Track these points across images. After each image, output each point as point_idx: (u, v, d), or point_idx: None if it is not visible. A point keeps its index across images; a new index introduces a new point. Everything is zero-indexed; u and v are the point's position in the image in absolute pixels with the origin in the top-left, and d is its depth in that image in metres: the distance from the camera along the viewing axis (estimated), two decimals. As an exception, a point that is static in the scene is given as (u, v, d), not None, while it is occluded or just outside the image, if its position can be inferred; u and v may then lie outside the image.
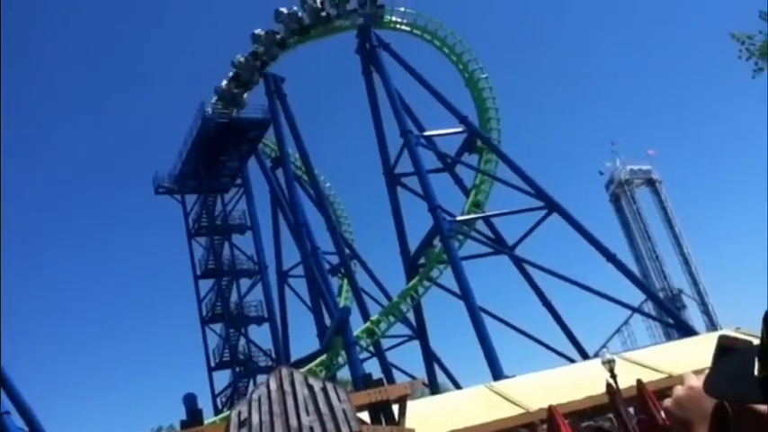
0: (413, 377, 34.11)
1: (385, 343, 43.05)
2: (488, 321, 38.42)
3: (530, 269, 43.15)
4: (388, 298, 44.43)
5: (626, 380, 18.76)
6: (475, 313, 36.24)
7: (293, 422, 18.79)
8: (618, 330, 47.95)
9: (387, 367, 41.06)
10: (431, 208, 39.93)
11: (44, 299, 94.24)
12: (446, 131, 45.44)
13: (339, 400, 19.75)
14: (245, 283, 47.47)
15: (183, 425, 19.80)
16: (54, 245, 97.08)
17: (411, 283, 42.27)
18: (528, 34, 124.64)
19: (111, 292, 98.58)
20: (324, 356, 39.32)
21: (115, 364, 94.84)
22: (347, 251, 45.85)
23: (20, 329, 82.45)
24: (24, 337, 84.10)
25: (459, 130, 45.11)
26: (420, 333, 44.20)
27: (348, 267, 45.07)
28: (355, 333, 39.37)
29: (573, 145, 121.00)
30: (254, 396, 19.46)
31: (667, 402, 1.53)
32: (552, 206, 41.25)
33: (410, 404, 20.78)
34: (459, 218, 42.36)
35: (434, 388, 41.86)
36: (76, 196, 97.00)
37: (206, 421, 23.60)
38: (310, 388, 19.93)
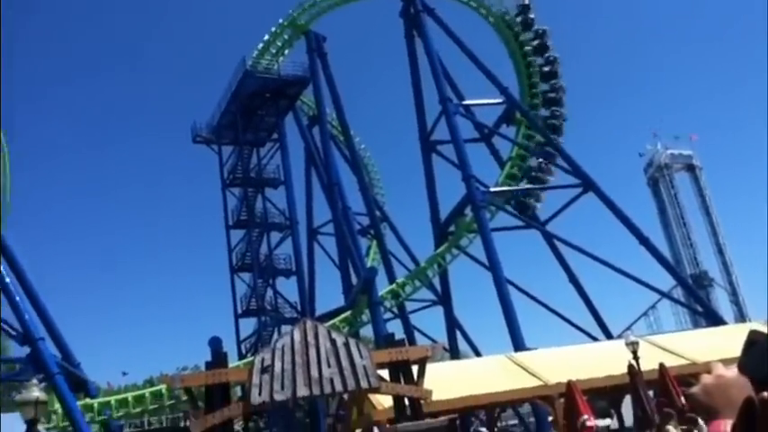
0: (434, 341, 34.38)
1: (409, 306, 43.47)
2: (513, 293, 38.49)
3: (560, 246, 42.91)
4: (416, 262, 44.66)
5: (648, 363, 18.70)
6: (501, 284, 36.29)
7: (314, 373, 19.21)
8: (644, 314, 47.73)
9: (409, 329, 41.53)
10: (465, 177, 39.74)
11: (78, 236, 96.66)
12: (485, 101, 44.91)
13: (360, 355, 20.10)
14: (275, 236, 48.08)
15: (208, 366, 20.38)
16: (100, 190, 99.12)
17: (439, 250, 42.38)
18: (576, 14, 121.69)
19: (147, 234, 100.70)
20: (348, 313, 39.87)
21: (147, 305, 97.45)
22: (378, 213, 46.05)
23: (60, 269, 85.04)
24: (63, 275, 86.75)
25: (499, 101, 44.55)
26: (444, 299, 44.47)
27: (378, 229, 45.32)
28: (380, 293, 39.78)
29: (614, 125, 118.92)
30: (278, 345, 19.90)
31: (694, 389, 1.58)
32: (588, 185, 40.75)
33: (429, 367, 21.04)
34: (492, 189, 42.12)
35: (455, 354, 42.28)
36: (119, 142, 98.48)
37: (230, 365, 24.24)
38: (333, 342, 20.31)
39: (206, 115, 49.99)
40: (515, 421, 43.90)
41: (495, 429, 36.80)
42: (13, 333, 33.23)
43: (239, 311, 45.61)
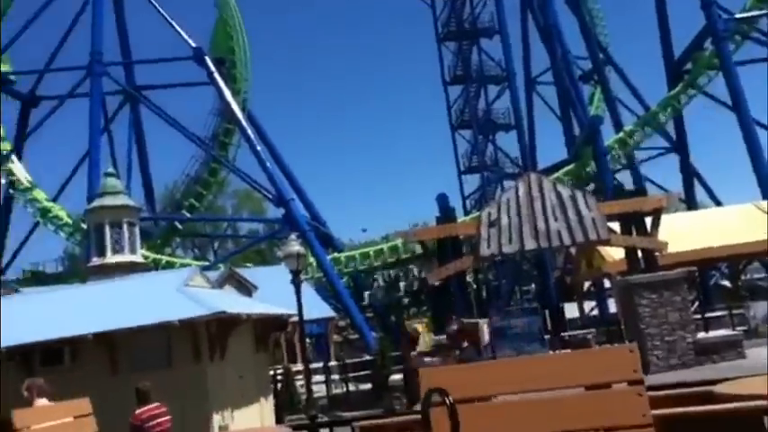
0: (667, 191, 32.44)
1: (638, 155, 41.07)
2: (762, 136, 34.60)
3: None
4: (645, 107, 41.45)
5: None
6: (747, 126, 32.74)
7: (541, 226, 19.33)
8: None
9: (639, 179, 39.43)
10: (704, 4, 35.15)
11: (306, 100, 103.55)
12: None
13: (588, 207, 19.70)
14: (492, 90, 47.39)
15: (438, 221, 21.50)
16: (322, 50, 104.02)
17: (673, 92, 38.83)
18: None
19: (369, 96, 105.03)
20: (572, 166, 38.85)
21: (376, 166, 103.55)
22: (601, 56, 42.79)
23: (299, 136, 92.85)
24: (303, 140, 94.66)
25: None
26: (679, 146, 41.19)
27: (601, 73, 42.36)
28: (606, 143, 37.99)
29: None
30: (504, 199, 20.20)
31: None
32: None
33: (664, 218, 20.06)
34: (737, 15, 36.81)
35: (692, 204, 39.62)
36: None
37: (457, 221, 25.31)
38: (558, 195, 20.08)
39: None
40: (762, 274, 40.67)
41: (739, 283, 34.70)
42: (269, 196, 37.69)
43: (462, 169, 46.68)
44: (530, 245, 18.73)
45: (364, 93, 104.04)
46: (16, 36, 39.15)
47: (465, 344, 7.97)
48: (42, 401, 7.00)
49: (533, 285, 44.13)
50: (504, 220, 18.91)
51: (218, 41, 41.28)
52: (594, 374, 2.64)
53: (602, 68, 42.50)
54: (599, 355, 2.65)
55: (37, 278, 36.91)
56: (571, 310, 29.42)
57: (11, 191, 38.55)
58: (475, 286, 37.41)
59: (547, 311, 25.05)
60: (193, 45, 38.39)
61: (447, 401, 2.22)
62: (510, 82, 45.16)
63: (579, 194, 19.76)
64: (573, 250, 25.30)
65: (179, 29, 38.51)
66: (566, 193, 19.68)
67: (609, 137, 38.97)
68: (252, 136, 37.85)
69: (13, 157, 38.53)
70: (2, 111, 39.26)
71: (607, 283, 30.45)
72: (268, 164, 37.44)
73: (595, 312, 33.67)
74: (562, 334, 23.14)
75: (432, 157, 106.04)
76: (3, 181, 37.94)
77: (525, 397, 2.62)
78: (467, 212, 42.81)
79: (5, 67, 39.58)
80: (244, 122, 38.06)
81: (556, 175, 36.11)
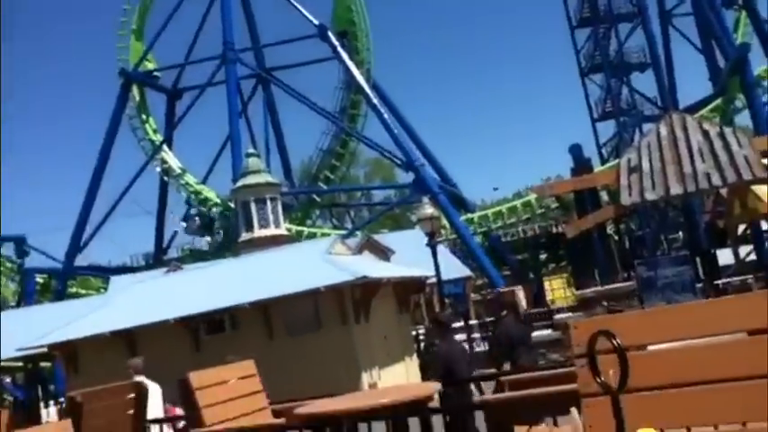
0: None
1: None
2: None
3: None
4: (801, 28, 37.40)
5: None
6: None
7: (687, 169, 18.19)
8: None
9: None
10: None
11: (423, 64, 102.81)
12: None
13: (739, 145, 18.30)
14: (623, 28, 44.58)
15: (573, 172, 20.85)
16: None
17: (835, 7, 34.71)
18: None
19: (492, 48, 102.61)
20: (718, 101, 36.05)
21: (503, 121, 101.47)
22: (746, -23, 38.96)
23: (417, 97, 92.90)
24: (428, 101, 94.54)
25: None
26: None
27: (747, -4, 38.61)
28: (756, 72, 34.82)
29: None
30: (643, 143, 19.17)
31: None
32: None
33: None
34: None
35: None
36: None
37: (594, 170, 24.37)
38: (705, 133, 18.76)
39: None
40: None
41: None
42: (398, 162, 38.26)
43: (595, 116, 44.61)
44: (675, 189, 17.74)
45: (487, 46, 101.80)
46: (156, 36, 42.07)
47: (504, 313, 7.73)
48: (140, 378, 7.65)
49: (680, 233, 41.66)
50: (646, 166, 18.01)
51: (339, 15, 42.15)
52: (758, 319, 2.53)
53: (748, -10, 38.70)
54: (761, 299, 2.51)
55: (194, 255, 39.97)
56: (724, 257, 27.55)
57: (165, 178, 41.82)
58: (616, 237, 35.96)
59: (698, 259, 23.64)
60: (316, 23, 39.48)
61: (615, 344, 2.22)
62: (643, 17, 42.34)
63: (728, 131, 18.39)
64: (724, 192, 23.56)
65: (301, 8, 39.72)
66: (713, 131, 18.38)
67: (759, 66, 35.68)
68: (378, 104, 38.45)
69: (165, 147, 41.74)
70: (150, 104, 42.63)
71: (765, 225, 28.18)
72: (395, 130, 37.90)
73: (752, 257, 31.30)
74: (716, 282, 21.79)
75: (560, 107, 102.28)
76: (158, 169, 41.25)
77: (686, 344, 2.56)
78: (603, 161, 41.01)
79: (151, 65, 42.78)
80: (369, 92, 38.73)
81: (700, 113, 33.63)
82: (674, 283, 16.43)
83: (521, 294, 16.78)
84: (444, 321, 7.43)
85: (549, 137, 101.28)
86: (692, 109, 35.14)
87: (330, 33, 39.26)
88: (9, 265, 44.94)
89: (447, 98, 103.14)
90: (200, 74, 42.66)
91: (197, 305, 15.36)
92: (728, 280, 22.29)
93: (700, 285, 18.96)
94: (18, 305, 38.16)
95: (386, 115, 38.18)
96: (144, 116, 42.82)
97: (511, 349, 7.84)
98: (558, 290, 40.11)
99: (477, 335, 24.46)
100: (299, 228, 38.60)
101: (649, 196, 17.85)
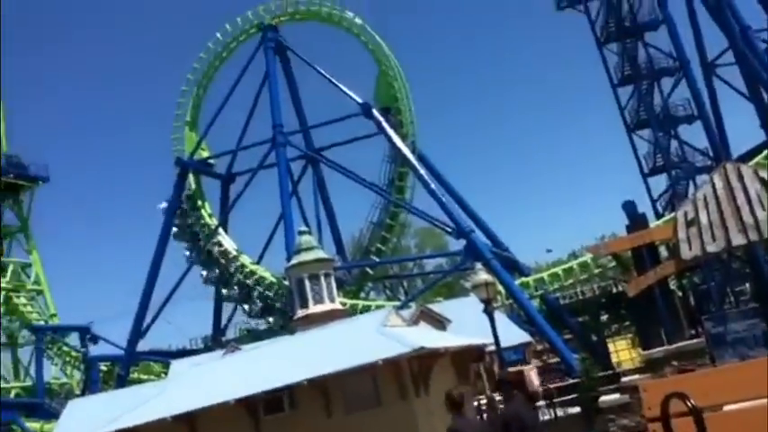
0: None
1: None
2: None
3: None
4: None
5: None
6: None
7: (747, 218, 17.58)
8: None
9: None
10: None
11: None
12: None
13: (801, 190, 17.64)
14: (666, 82, 44.39)
15: (629, 229, 20.38)
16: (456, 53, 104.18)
17: None
18: None
19: (530, 113, 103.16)
20: (772, 148, 35.10)
21: (550, 184, 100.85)
22: (789, 22, 38.58)
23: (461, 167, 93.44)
24: (473, 169, 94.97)
25: None
26: None
27: (792, 41, 38.14)
28: (811, 116, 33.91)
29: None
30: (699, 196, 18.69)
31: None
32: None
33: None
34: None
35: None
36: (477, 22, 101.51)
37: (649, 225, 23.76)
38: (763, 181, 18.20)
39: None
40: None
41: None
42: (449, 230, 38.24)
43: (646, 171, 43.96)
44: (737, 240, 17.12)
45: (525, 111, 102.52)
46: (209, 126, 43.90)
47: (514, 392, 7.17)
48: None
49: (747, 284, 39.93)
50: (704, 218, 17.50)
51: (382, 93, 43.30)
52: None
53: (792, 35, 38.24)
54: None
55: (251, 335, 40.17)
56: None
57: (221, 260, 42.69)
58: (680, 294, 34.66)
59: (770, 311, 22.49)
60: (359, 101, 40.61)
61: (690, 406, 2.11)
62: (685, 70, 42.05)
63: (788, 177, 17.81)
64: (791, 239, 22.62)
65: (345, 88, 41.00)
66: (771, 177, 17.83)
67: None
68: (424, 174, 38.82)
69: (221, 230, 42.79)
70: (205, 191, 44.02)
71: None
72: (444, 199, 38.05)
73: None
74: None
75: (608, 165, 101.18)
76: (215, 251, 42.18)
77: (764, 402, 2.42)
78: (659, 216, 40.07)
79: (205, 153, 44.52)
80: (416, 163, 39.20)
81: (755, 160, 32.77)
82: (745, 337, 15.62)
83: (532, 374, 16.23)
84: (458, 400, 6.93)
85: (599, 196, 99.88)
86: (745, 157, 34.30)
87: (374, 110, 40.28)
88: (74, 354, 46.12)
89: (494, 166, 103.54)
90: (252, 156, 44.13)
91: (255, 385, 15.32)
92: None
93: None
94: (83, 393, 38.83)
95: (433, 185, 38.48)
96: (200, 202, 44.20)
97: None
98: (623, 351, 38.54)
99: (541, 402, 23.62)
100: (354, 301, 38.55)
101: (711, 249, 17.26)
